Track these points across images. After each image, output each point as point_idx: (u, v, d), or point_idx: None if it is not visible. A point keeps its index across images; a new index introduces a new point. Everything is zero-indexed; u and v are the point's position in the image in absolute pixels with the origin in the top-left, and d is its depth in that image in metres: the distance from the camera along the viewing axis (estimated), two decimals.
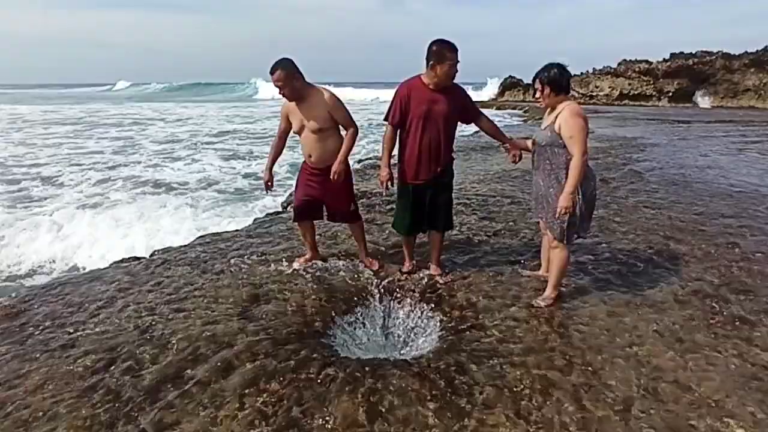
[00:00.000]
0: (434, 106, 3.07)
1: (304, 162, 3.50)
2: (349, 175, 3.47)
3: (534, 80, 2.93)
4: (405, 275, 3.52)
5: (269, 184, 3.56)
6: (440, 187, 3.31)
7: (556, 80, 2.85)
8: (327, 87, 3.36)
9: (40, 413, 2.10)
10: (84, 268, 5.09)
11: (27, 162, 11.88)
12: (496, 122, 3.52)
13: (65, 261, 5.73)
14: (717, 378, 2.36)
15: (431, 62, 2.98)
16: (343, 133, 3.37)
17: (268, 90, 47.74)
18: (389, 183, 3.23)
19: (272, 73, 3.15)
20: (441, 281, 3.42)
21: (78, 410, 2.12)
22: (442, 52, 2.95)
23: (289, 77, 3.16)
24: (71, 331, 2.75)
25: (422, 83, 3.08)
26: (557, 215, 2.85)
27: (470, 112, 3.29)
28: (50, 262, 5.71)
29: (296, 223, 3.72)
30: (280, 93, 3.24)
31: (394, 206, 3.93)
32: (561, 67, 2.86)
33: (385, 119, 3.22)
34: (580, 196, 2.85)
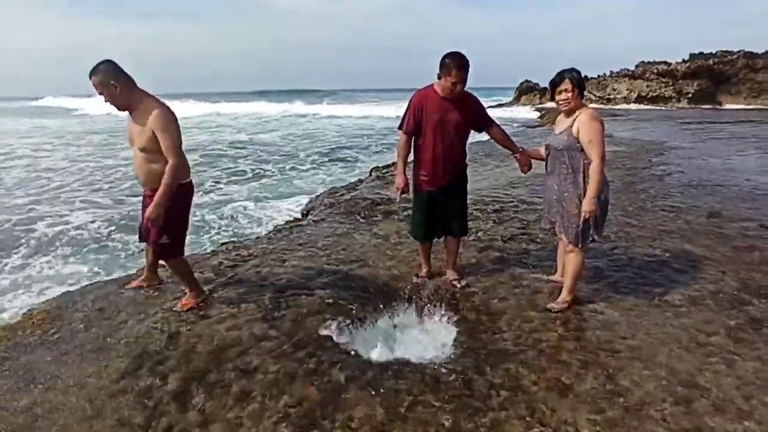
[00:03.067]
0: (447, 114, 3.14)
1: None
2: (169, 203, 2.82)
3: (557, 83, 2.88)
4: (422, 279, 3.59)
5: None
6: (455, 194, 3.37)
7: (583, 83, 2.89)
8: (164, 101, 2.86)
9: (76, 413, 2.22)
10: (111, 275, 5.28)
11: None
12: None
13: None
14: (736, 381, 2.36)
15: (439, 73, 3.07)
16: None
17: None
18: (404, 191, 3.31)
19: (90, 78, 2.79)
20: (458, 286, 3.47)
21: (110, 412, 2.23)
22: (450, 67, 3.01)
23: (104, 84, 2.74)
24: (103, 335, 2.89)
25: (435, 92, 3.16)
26: (581, 220, 2.87)
27: (482, 120, 3.35)
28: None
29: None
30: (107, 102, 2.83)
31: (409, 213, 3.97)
32: (579, 71, 2.90)
33: (399, 128, 3.31)
34: (596, 200, 2.88)
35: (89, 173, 12.26)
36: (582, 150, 2.84)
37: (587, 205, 2.81)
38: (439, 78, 3.09)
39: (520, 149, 3.37)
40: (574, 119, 2.87)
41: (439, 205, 3.34)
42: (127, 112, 2.90)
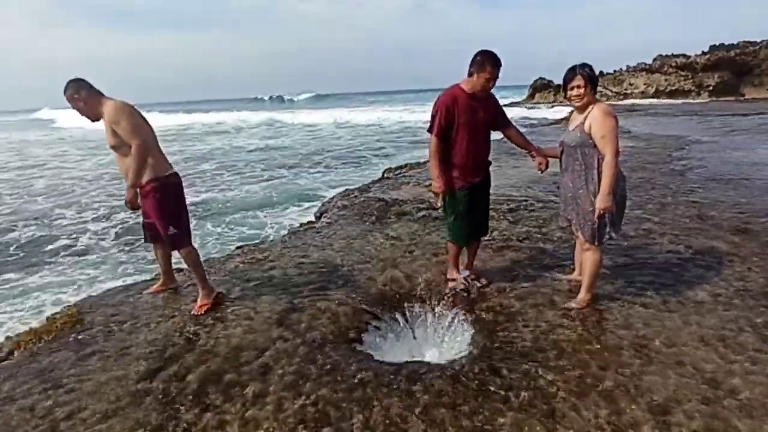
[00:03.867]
0: (477, 113, 3.12)
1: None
2: (158, 197, 3.08)
3: (569, 78, 2.82)
4: (461, 283, 3.48)
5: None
6: (484, 193, 3.37)
7: (595, 78, 2.85)
8: (120, 99, 3.05)
9: (98, 414, 2.26)
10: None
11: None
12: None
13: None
14: (764, 381, 2.28)
15: (471, 70, 3.05)
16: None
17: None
18: (446, 194, 3.23)
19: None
20: (478, 284, 3.44)
21: (131, 413, 2.26)
22: (484, 63, 3.00)
23: (71, 99, 2.99)
24: (124, 338, 2.94)
25: (462, 91, 3.12)
26: (596, 217, 2.82)
27: (502, 119, 3.32)
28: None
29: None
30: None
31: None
32: (592, 67, 2.85)
33: (429, 130, 3.20)
34: (611, 197, 2.82)
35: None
36: (595, 146, 2.79)
37: (601, 201, 2.76)
38: (471, 75, 3.06)
39: (536, 148, 3.34)
40: (587, 115, 2.83)
41: (478, 204, 3.33)
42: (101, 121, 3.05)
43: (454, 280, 3.53)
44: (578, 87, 2.80)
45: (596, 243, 2.93)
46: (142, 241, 3.58)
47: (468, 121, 3.10)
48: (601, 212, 2.78)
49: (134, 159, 2.92)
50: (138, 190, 3.02)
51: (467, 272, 3.53)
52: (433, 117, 3.18)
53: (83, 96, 2.98)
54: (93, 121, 3.06)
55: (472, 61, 3.04)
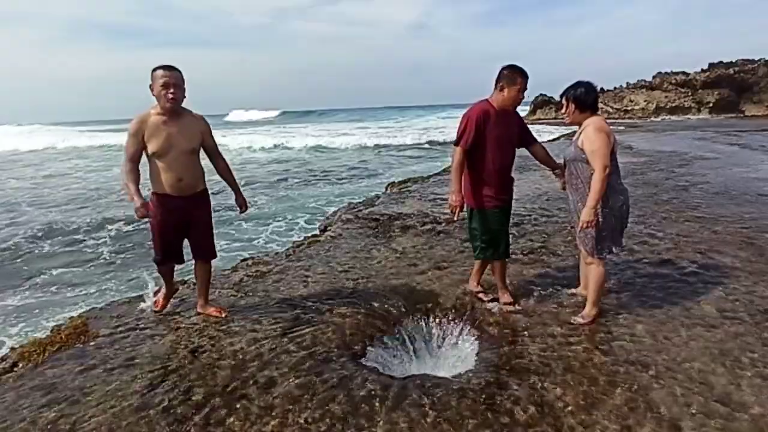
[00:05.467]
0: (506, 129, 3.13)
1: (159, 193, 3.02)
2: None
3: (561, 96, 3.03)
4: (478, 296, 3.47)
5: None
6: (510, 209, 3.35)
7: (581, 98, 2.92)
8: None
9: (102, 427, 2.24)
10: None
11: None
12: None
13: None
14: None
15: (501, 85, 3.05)
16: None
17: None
18: (462, 209, 3.19)
19: (168, 70, 2.86)
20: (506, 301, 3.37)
21: (135, 426, 2.24)
22: (514, 76, 3.02)
23: (183, 81, 2.92)
24: (128, 350, 2.92)
25: (492, 106, 3.11)
26: (579, 229, 2.92)
27: (528, 136, 3.33)
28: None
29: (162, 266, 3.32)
30: (170, 100, 2.86)
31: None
32: (588, 86, 2.92)
33: (457, 144, 3.13)
34: (606, 210, 2.86)
35: None
36: (588, 161, 2.84)
37: (584, 214, 2.81)
38: (501, 89, 3.05)
39: (561, 165, 3.29)
40: (582, 131, 2.92)
41: (507, 222, 3.33)
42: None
43: (480, 293, 3.47)
44: (564, 107, 3.01)
45: (595, 256, 2.95)
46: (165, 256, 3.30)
47: (498, 136, 3.08)
48: (584, 225, 2.82)
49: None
50: (179, 198, 3.05)
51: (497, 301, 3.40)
52: (462, 130, 3.11)
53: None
54: (171, 112, 2.93)
55: (500, 76, 3.05)
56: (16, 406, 2.43)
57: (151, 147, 2.92)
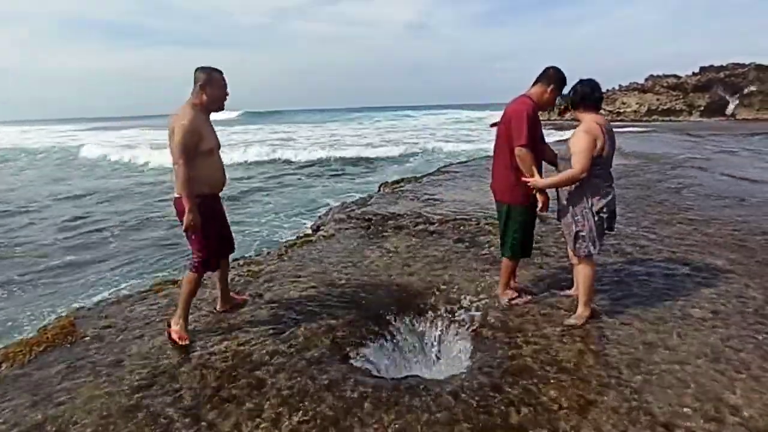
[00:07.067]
0: (540, 127, 3.10)
1: (207, 194, 2.89)
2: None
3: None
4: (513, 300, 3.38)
5: None
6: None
7: (571, 97, 2.95)
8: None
9: (89, 429, 2.19)
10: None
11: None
12: None
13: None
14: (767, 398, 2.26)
15: (552, 87, 3.00)
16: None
17: None
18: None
19: (221, 74, 2.86)
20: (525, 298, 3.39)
21: (123, 428, 2.20)
22: (562, 84, 3.00)
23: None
24: (117, 351, 2.87)
25: (534, 103, 3.03)
26: (525, 186, 3.00)
27: (542, 135, 3.28)
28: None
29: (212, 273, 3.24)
30: (222, 103, 2.90)
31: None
32: (586, 84, 2.91)
33: (524, 145, 2.94)
34: (587, 210, 2.88)
35: None
36: None
37: (537, 182, 2.95)
38: (545, 87, 3.01)
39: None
40: (574, 131, 2.94)
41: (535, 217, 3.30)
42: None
43: (514, 298, 3.38)
44: (557, 107, 3.16)
45: (576, 253, 3.00)
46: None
47: (536, 134, 3.03)
48: (530, 184, 2.97)
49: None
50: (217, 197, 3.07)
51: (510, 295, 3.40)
52: (526, 128, 2.92)
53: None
54: (216, 111, 2.94)
55: (546, 75, 3.02)
56: (0, 408, 2.37)
57: (206, 144, 2.82)
